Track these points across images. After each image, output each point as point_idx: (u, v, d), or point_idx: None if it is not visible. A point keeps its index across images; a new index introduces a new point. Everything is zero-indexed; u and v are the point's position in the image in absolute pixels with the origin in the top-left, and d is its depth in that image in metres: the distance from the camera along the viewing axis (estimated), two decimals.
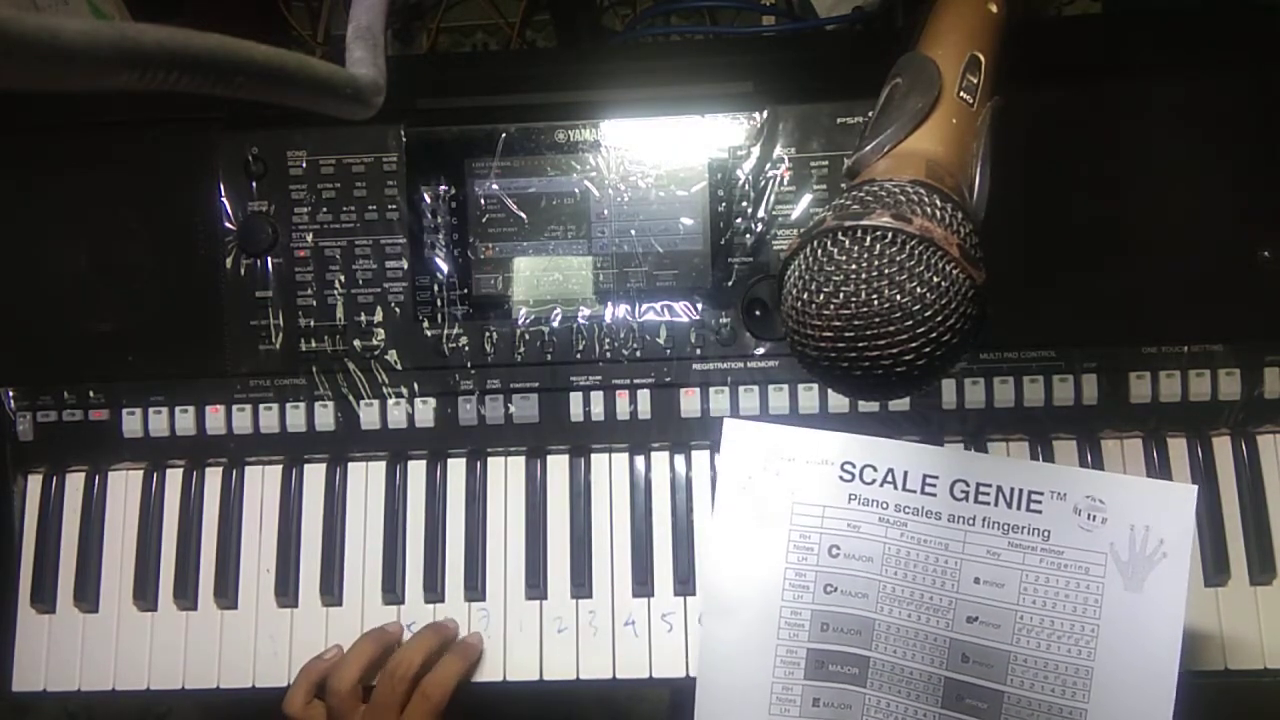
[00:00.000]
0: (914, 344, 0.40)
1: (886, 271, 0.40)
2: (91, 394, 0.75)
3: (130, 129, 0.74)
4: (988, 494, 0.65)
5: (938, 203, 0.41)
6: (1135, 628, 0.62)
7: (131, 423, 0.75)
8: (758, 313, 0.72)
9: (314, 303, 0.74)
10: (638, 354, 0.73)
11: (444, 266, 0.73)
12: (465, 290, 0.73)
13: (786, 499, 0.66)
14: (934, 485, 0.65)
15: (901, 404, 0.72)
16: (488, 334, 0.73)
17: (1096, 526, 0.63)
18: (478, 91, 0.77)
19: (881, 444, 0.66)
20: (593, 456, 0.75)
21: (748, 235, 0.72)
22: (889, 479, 0.66)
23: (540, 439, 0.74)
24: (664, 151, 0.72)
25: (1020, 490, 0.64)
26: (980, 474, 0.65)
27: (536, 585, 0.73)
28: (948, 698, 0.64)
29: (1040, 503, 0.64)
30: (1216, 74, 0.71)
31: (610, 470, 0.75)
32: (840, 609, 0.65)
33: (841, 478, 0.66)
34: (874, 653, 0.65)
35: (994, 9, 0.50)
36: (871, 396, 0.65)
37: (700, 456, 0.74)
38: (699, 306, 0.73)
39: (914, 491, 0.65)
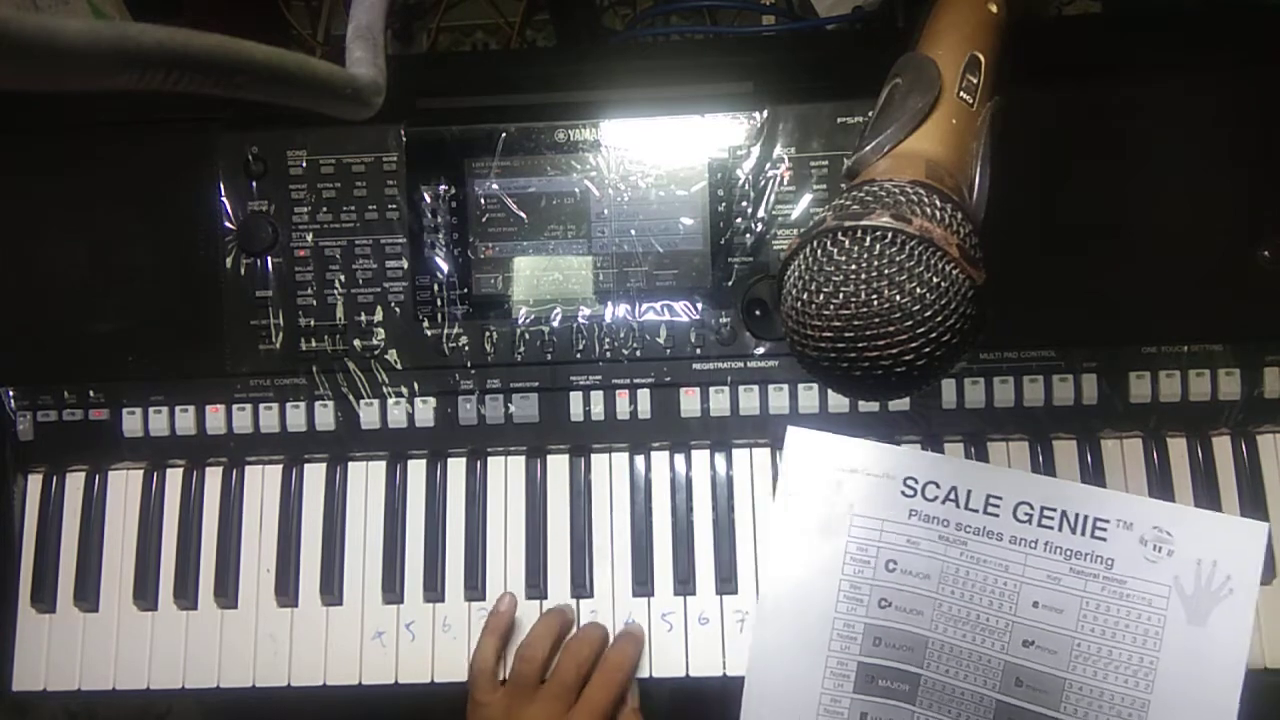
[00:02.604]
0: (914, 344, 0.40)
1: (886, 272, 0.40)
2: (91, 394, 0.75)
3: (130, 129, 0.74)
4: (1052, 518, 0.64)
5: (937, 203, 0.41)
6: (1196, 663, 0.62)
7: (131, 423, 0.75)
8: (758, 313, 0.72)
9: (314, 303, 0.74)
10: (638, 354, 0.73)
11: (444, 266, 0.73)
12: (465, 290, 0.73)
13: (846, 510, 0.66)
14: (997, 506, 0.65)
15: (901, 404, 0.72)
16: (488, 334, 0.73)
17: (1162, 558, 0.63)
18: (478, 91, 0.77)
19: (946, 461, 0.66)
20: (593, 456, 0.75)
21: (748, 235, 0.72)
22: (951, 497, 0.65)
23: (540, 439, 0.74)
24: (664, 151, 0.72)
25: (1086, 516, 0.64)
26: (1045, 497, 0.65)
27: (536, 585, 0.73)
28: None
29: (1106, 530, 0.64)
30: (1216, 74, 0.71)
31: (610, 470, 0.75)
32: (894, 624, 0.65)
33: (904, 492, 0.66)
34: (925, 671, 0.65)
35: (994, 9, 0.50)
36: (871, 396, 0.65)
37: (700, 456, 0.74)
38: (699, 306, 0.73)
39: (976, 511, 0.65)
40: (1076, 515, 0.64)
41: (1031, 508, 0.64)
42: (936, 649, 0.65)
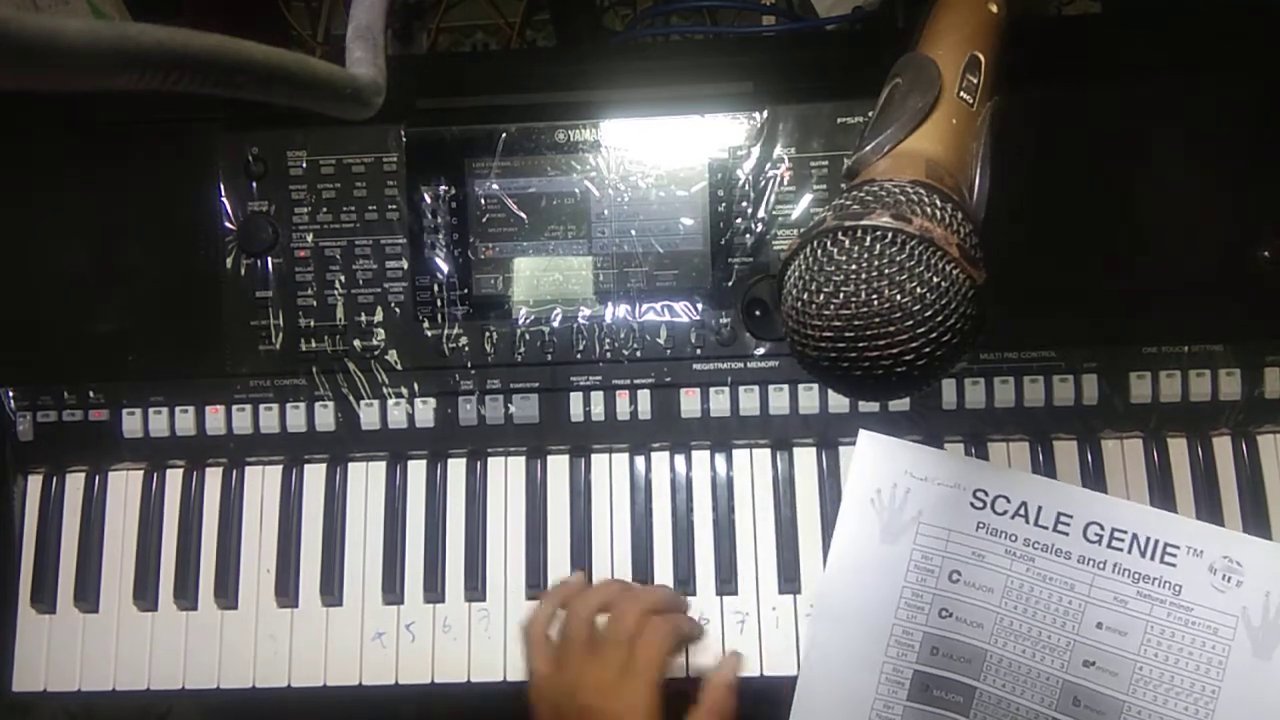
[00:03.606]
0: (914, 344, 0.40)
1: (886, 271, 0.40)
2: (91, 394, 0.75)
3: (130, 129, 0.74)
4: (1122, 540, 0.64)
5: (938, 203, 0.41)
6: (1259, 695, 0.61)
7: (131, 423, 0.75)
8: (758, 313, 0.72)
9: (314, 303, 0.74)
10: (638, 354, 0.73)
11: (444, 266, 0.73)
12: (465, 290, 0.73)
13: (914, 518, 0.66)
14: (1067, 524, 0.65)
15: (901, 404, 0.72)
16: (488, 334, 0.73)
17: (1231, 588, 0.63)
18: (478, 91, 0.77)
19: (1018, 476, 0.66)
20: (593, 457, 0.75)
21: (748, 235, 0.72)
22: (1021, 512, 0.65)
23: (540, 439, 0.74)
24: (664, 151, 0.72)
25: (1156, 541, 0.64)
26: (1117, 519, 0.64)
27: (536, 585, 0.73)
28: None
29: (1175, 556, 0.63)
30: (1216, 74, 0.71)
31: (610, 470, 0.75)
32: (953, 635, 0.65)
33: (973, 504, 0.66)
34: (982, 684, 0.64)
35: (994, 9, 0.50)
36: (872, 397, 0.65)
37: (700, 456, 0.74)
38: (699, 306, 0.73)
39: (1046, 528, 0.65)
40: (1147, 539, 0.64)
41: (1102, 528, 0.64)
42: (995, 663, 0.64)
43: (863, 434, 0.67)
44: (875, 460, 0.67)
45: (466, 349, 0.73)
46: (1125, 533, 0.64)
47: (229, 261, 0.74)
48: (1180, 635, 0.63)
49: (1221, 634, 0.62)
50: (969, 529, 0.65)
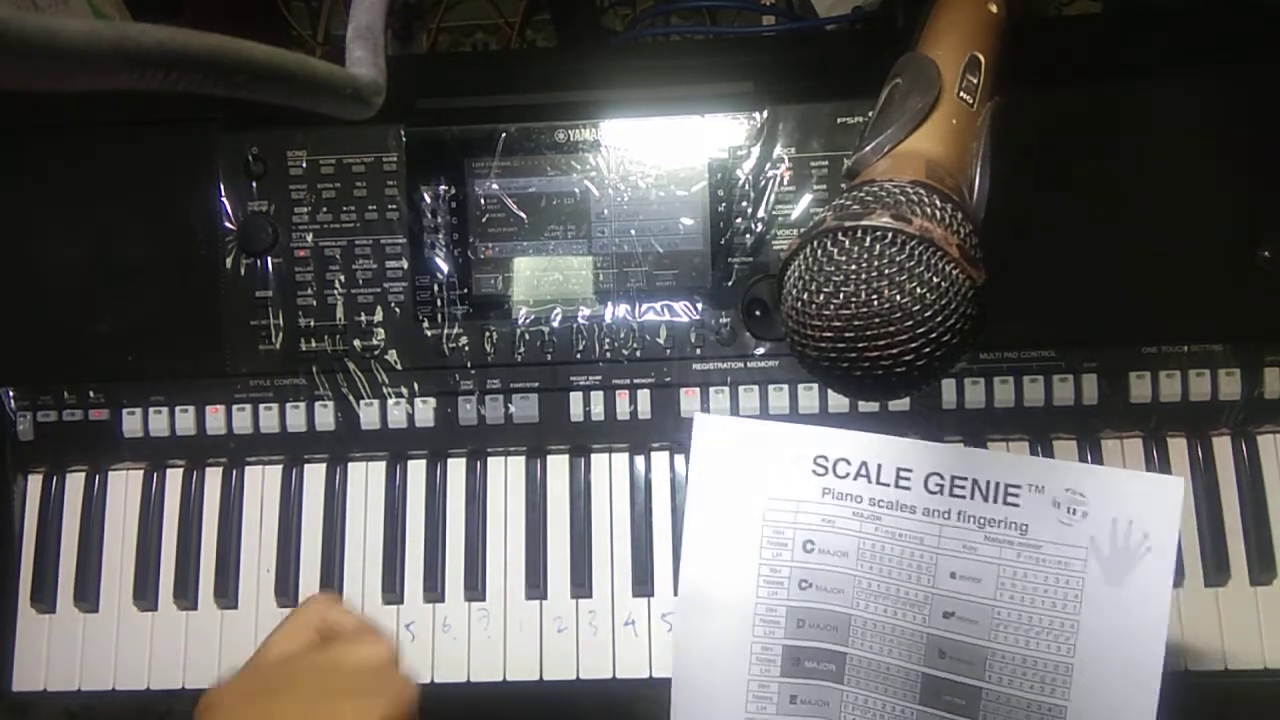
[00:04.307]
0: (914, 344, 0.40)
1: (886, 272, 0.40)
2: (91, 394, 0.75)
3: (130, 129, 0.74)
4: (963, 487, 0.63)
5: (937, 203, 0.41)
6: (1117, 624, 0.61)
7: (131, 423, 0.75)
8: (758, 313, 0.72)
9: (314, 303, 0.74)
10: (638, 354, 0.73)
11: (444, 266, 0.73)
12: (465, 290, 0.73)
13: (760, 494, 0.65)
14: (908, 478, 0.64)
15: (901, 404, 0.72)
16: (488, 334, 0.73)
17: (1077, 520, 0.62)
18: (478, 91, 0.77)
19: (854, 437, 0.65)
20: (593, 456, 0.75)
21: (748, 235, 0.72)
22: (862, 472, 0.64)
23: (540, 439, 0.74)
24: (664, 151, 0.72)
25: (997, 483, 0.63)
26: (954, 467, 0.63)
27: (536, 585, 0.73)
28: (926, 694, 0.63)
29: (1018, 496, 0.62)
30: (1216, 74, 0.71)
31: (610, 470, 0.75)
32: (816, 605, 0.64)
33: (815, 472, 0.65)
34: (850, 649, 0.64)
35: (994, 9, 0.50)
36: (872, 396, 0.65)
37: None
38: (699, 306, 0.73)
39: (888, 485, 0.64)
40: (987, 482, 0.63)
41: (942, 478, 0.63)
42: (860, 626, 0.64)
43: (698, 417, 0.66)
44: (713, 442, 0.66)
45: (466, 349, 0.74)
46: (965, 479, 0.63)
47: (229, 261, 0.74)
48: (1033, 575, 0.62)
49: (1073, 567, 0.61)
50: (815, 497, 0.65)
